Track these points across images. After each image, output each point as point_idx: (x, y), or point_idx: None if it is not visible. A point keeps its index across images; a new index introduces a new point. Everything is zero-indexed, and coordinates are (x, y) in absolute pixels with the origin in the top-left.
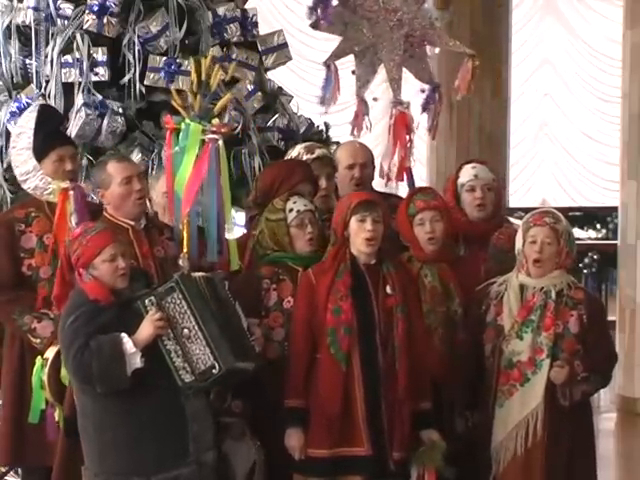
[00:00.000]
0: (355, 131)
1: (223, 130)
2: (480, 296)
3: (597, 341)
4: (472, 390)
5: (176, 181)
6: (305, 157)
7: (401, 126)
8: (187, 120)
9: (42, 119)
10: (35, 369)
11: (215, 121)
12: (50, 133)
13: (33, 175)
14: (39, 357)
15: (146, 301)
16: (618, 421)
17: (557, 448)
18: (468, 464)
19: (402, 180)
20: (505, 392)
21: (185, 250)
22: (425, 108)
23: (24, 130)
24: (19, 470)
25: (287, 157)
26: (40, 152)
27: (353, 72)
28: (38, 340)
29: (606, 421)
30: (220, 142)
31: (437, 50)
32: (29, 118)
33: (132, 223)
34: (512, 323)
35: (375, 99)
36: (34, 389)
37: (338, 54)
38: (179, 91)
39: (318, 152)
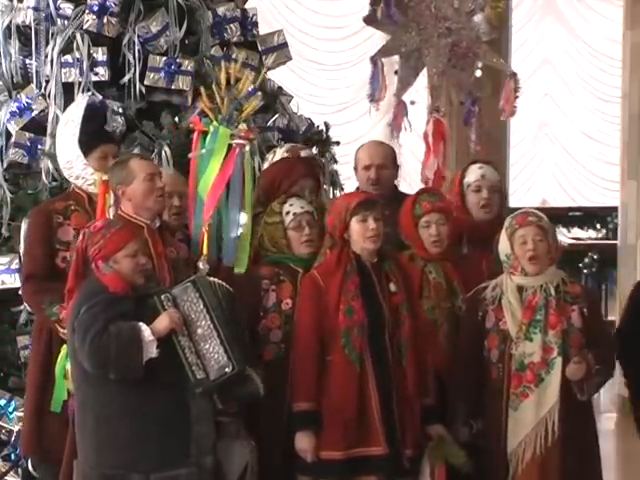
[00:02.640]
0: (394, 133)
1: (251, 136)
2: (474, 302)
3: (600, 332)
4: (476, 398)
5: (200, 184)
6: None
7: (437, 134)
8: (215, 123)
9: (89, 114)
10: (60, 358)
11: (242, 126)
12: (96, 130)
13: (76, 164)
14: (64, 346)
15: (162, 297)
16: (618, 421)
17: (571, 446)
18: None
19: (440, 187)
20: (519, 395)
21: (205, 253)
22: (467, 122)
23: (72, 119)
24: (19, 470)
25: (268, 160)
26: (85, 148)
27: (396, 72)
28: (66, 330)
29: (606, 421)
30: (247, 147)
31: (479, 64)
32: (78, 109)
33: (147, 222)
34: (519, 326)
35: (413, 102)
36: (57, 378)
37: (385, 52)
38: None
39: (304, 154)
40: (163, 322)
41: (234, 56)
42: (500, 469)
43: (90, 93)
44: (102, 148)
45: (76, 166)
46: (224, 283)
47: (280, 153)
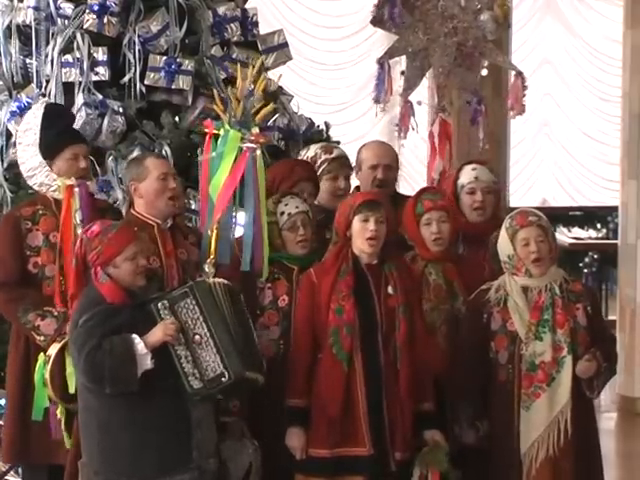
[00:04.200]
0: (402, 133)
1: (261, 140)
2: (477, 305)
3: (602, 329)
4: (482, 400)
5: (210, 187)
6: (324, 157)
7: (443, 134)
8: (226, 126)
9: (51, 117)
10: (38, 366)
11: (254, 130)
12: (63, 130)
13: (39, 171)
14: (42, 354)
15: (159, 304)
16: (618, 421)
17: (580, 445)
18: (474, 471)
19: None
20: (530, 395)
21: (212, 256)
22: (474, 121)
23: (30, 127)
24: (19, 470)
25: (301, 157)
26: (54, 149)
27: (402, 73)
28: (42, 338)
29: (606, 421)
30: (258, 151)
31: (486, 63)
32: (36, 115)
33: (158, 221)
34: (527, 326)
35: (419, 102)
36: (37, 386)
37: (392, 53)
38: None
39: (336, 152)
40: (157, 335)
41: (234, 56)
42: (511, 470)
43: (44, 101)
44: (72, 149)
45: (39, 173)
46: (225, 281)
47: (313, 150)
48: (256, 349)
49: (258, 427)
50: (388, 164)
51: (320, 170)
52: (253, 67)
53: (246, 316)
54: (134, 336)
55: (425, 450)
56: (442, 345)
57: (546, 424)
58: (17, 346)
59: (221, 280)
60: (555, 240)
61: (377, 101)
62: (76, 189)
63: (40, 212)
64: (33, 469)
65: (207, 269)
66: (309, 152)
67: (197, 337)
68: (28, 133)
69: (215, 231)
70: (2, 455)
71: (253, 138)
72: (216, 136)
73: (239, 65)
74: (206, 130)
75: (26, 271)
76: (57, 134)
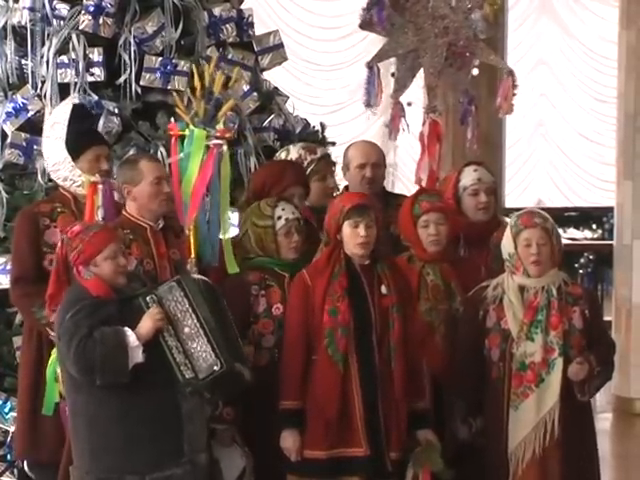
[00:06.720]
0: (392, 134)
1: (227, 135)
2: (475, 302)
3: (600, 334)
4: (475, 396)
5: (182, 187)
6: (309, 158)
7: (433, 134)
8: (191, 126)
9: (77, 115)
10: (50, 361)
11: (219, 126)
12: (87, 131)
13: (64, 166)
14: (55, 350)
15: (147, 298)
16: (614, 421)
17: (571, 448)
18: (469, 468)
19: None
20: (520, 394)
21: (193, 255)
22: (463, 121)
23: (58, 121)
24: (14, 470)
25: (280, 157)
26: (77, 149)
27: (393, 74)
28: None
29: (602, 421)
30: (224, 147)
31: (477, 62)
32: (64, 110)
33: (151, 223)
34: (520, 325)
35: (410, 103)
36: (48, 381)
37: (381, 56)
38: (178, 92)
39: (320, 151)
40: (146, 325)
41: (230, 56)
42: (501, 469)
43: (77, 94)
44: (94, 150)
45: (63, 168)
46: (205, 278)
47: (295, 151)
48: (240, 344)
49: (250, 434)
50: (376, 162)
51: (307, 171)
52: (209, 62)
53: (227, 312)
54: (126, 328)
55: (418, 450)
56: (441, 345)
57: (533, 424)
58: (29, 344)
59: (200, 277)
60: (560, 243)
61: (368, 105)
62: (100, 186)
63: (59, 210)
64: (42, 467)
65: (189, 268)
66: (291, 154)
67: (187, 329)
68: (56, 127)
69: (192, 231)
70: (14, 450)
71: (219, 134)
72: (182, 137)
73: (194, 65)
74: (171, 133)
75: (42, 268)
76: (81, 135)
